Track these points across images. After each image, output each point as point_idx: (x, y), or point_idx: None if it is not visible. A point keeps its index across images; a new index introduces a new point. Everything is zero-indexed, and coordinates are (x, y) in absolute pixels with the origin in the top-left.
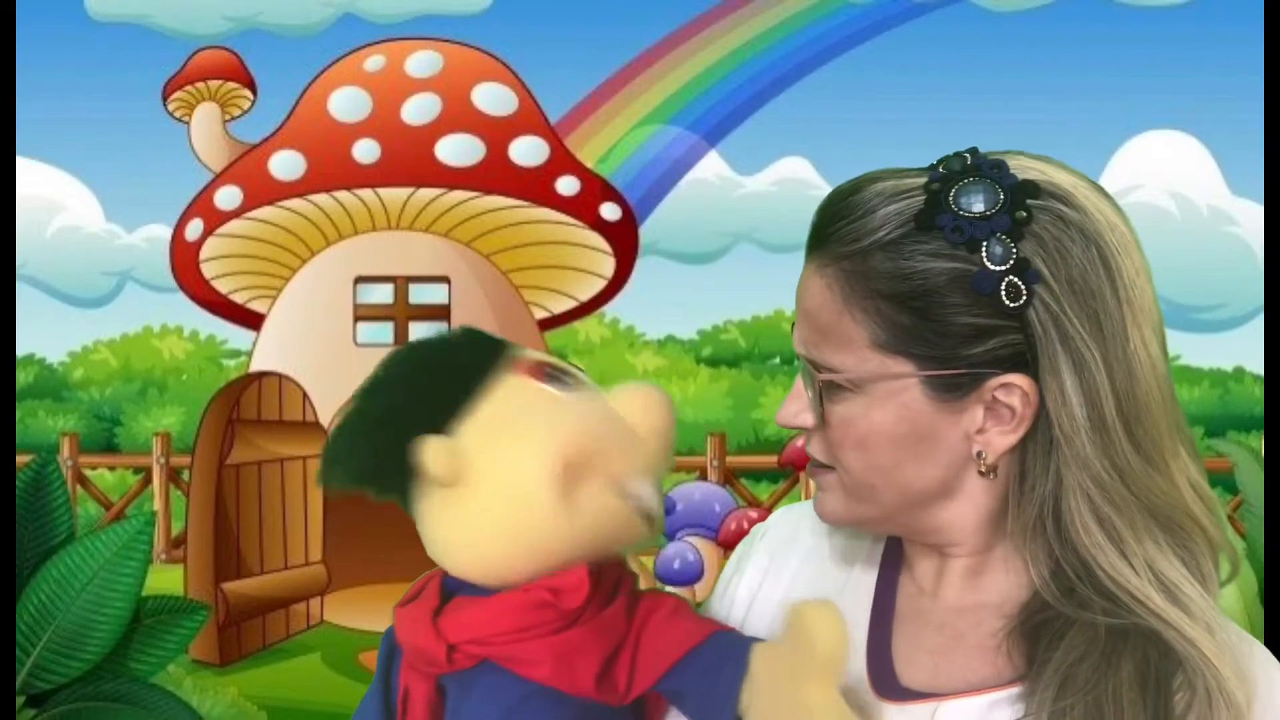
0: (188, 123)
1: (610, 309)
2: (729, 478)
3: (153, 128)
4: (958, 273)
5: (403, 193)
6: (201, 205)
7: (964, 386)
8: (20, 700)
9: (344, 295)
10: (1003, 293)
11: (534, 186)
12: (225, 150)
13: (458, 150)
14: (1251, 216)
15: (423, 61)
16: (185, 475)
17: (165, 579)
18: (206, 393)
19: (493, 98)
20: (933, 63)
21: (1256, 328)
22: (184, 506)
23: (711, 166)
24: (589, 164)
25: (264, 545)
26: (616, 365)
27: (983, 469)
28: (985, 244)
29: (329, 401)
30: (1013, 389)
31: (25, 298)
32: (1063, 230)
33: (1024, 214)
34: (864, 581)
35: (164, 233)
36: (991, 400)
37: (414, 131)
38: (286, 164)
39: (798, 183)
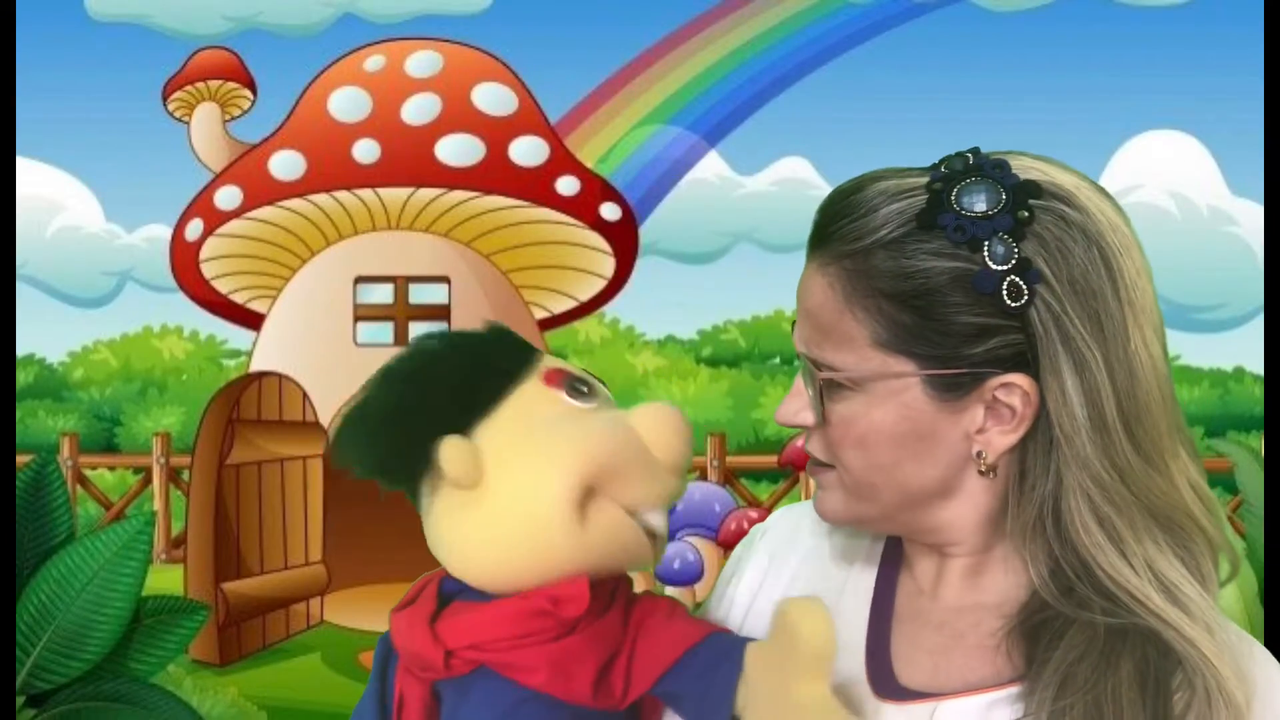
0: (188, 123)
1: (610, 309)
2: (729, 478)
3: (153, 128)
4: (959, 272)
5: (403, 193)
6: (201, 205)
7: (965, 386)
8: (20, 700)
9: (344, 295)
10: (1004, 292)
11: (534, 186)
12: (225, 150)
13: (458, 150)
14: (1251, 216)
15: (423, 61)
16: (185, 475)
17: (165, 579)
18: (206, 393)
19: (493, 98)
20: (933, 63)
21: (1256, 328)
22: (184, 506)
23: (711, 166)
24: (589, 164)
25: (264, 545)
26: (616, 365)
27: (983, 468)
28: (987, 243)
29: (329, 401)
30: (1013, 389)
31: (25, 298)
32: (1064, 230)
33: (1026, 214)
34: (863, 581)
35: (164, 233)
36: (992, 400)
37: (414, 131)
38: (286, 164)
39: (798, 183)
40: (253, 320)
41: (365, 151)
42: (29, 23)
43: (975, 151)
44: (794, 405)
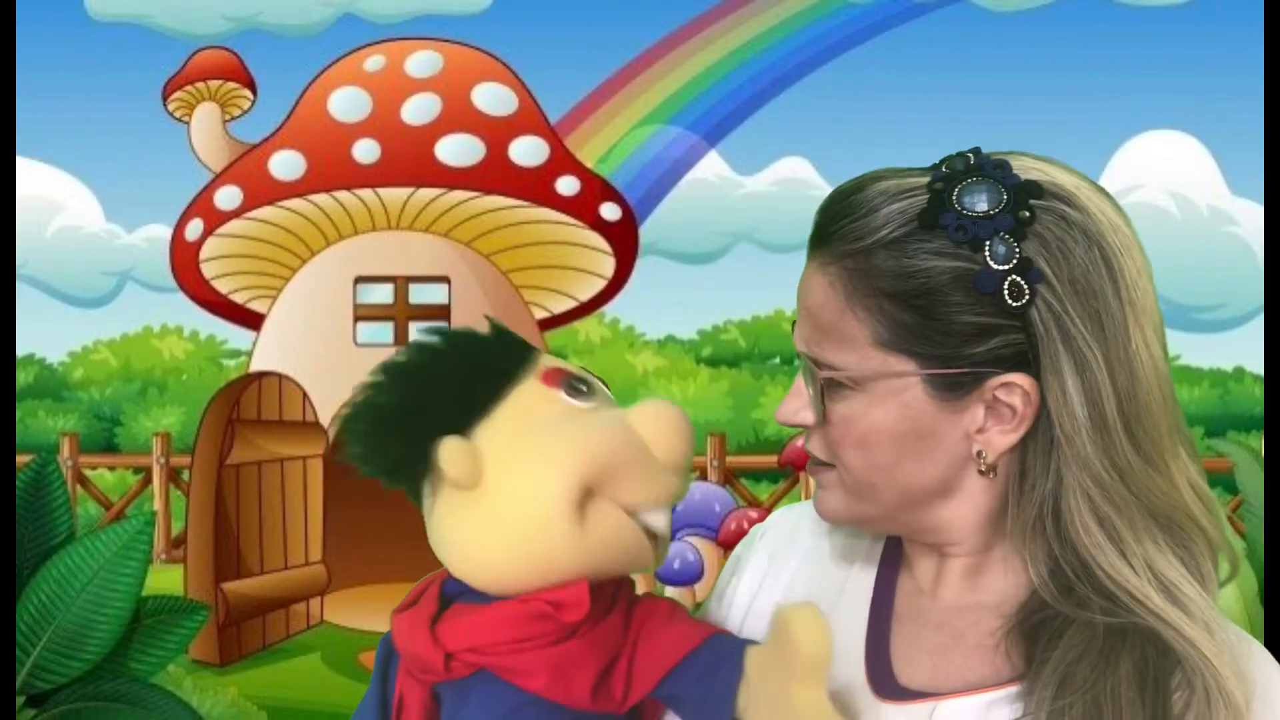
0: (188, 123)
1: (610, 309)
2: (729, 478)
3: (153, 128)
4: (960, 272)
5: (403, 193)
6: (201, 205)
7: (965, 385)
8: (20, 700)
9: (344, 295)
10: (1005, 292)
11: (534, 186)
12: (225, 150)
13: (458, 150)
14: (1251, 216)
15: (423, 61)
16: (185, 475)
17: (165, 579)
18: (206, 393)
19: (493, 98)
20: (933, 63)
21: (1256, 328)
22: (184, 506)
23: (711, 166)
24: (589, 164)
25: (264, 545)
26: (616, 365)
27: (983, 468)
28: (988, 243)
29: (329, 401)
30: (1014, 388)
31: (25, 298)
32: (1065, 230)
33: (1027, 214)
34: (863, 581)
35: (164, 233)
36: (992, 399)
37: (414, 131)
38: (286, 164)
39: (798, 183)
40: (253, 320)
41: (365, 151)
42: (29, 23)
43: (976, 151)
44: (794, 404)
